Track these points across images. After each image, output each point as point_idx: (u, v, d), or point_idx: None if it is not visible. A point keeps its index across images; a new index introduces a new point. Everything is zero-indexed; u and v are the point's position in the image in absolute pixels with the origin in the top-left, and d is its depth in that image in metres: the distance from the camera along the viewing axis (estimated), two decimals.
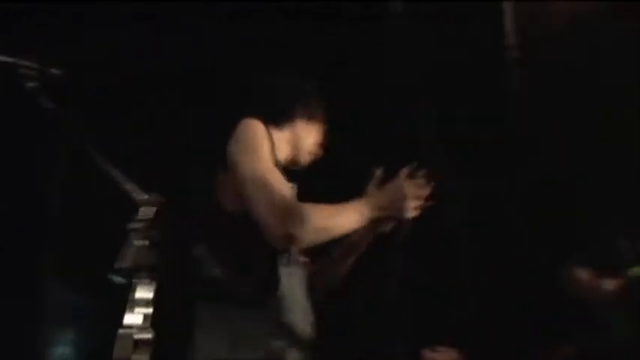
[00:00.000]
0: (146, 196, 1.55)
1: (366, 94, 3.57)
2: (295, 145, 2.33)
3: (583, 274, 2.85)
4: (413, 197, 2.15)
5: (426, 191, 2.17)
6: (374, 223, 2.18)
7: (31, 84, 1.73)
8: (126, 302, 1.47)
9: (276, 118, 2.27)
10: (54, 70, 1.76)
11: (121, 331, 1.42)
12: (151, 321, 1.47)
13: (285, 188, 2.00)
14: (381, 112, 3.59)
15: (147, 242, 1.51)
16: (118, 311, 1.51)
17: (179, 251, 1.54)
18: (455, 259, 3.83)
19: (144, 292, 1.49)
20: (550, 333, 3.27)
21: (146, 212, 1.51)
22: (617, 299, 2.81)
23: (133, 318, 1.45)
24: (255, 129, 2.09)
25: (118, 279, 2.17)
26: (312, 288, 2.24)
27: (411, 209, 2.16)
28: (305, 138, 2.35)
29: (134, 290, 1.46)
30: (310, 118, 2.37)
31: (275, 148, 2.13)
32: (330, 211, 2.03)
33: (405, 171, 2.18)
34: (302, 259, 2.25)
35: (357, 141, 3.30)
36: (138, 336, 1.42)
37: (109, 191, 1.61)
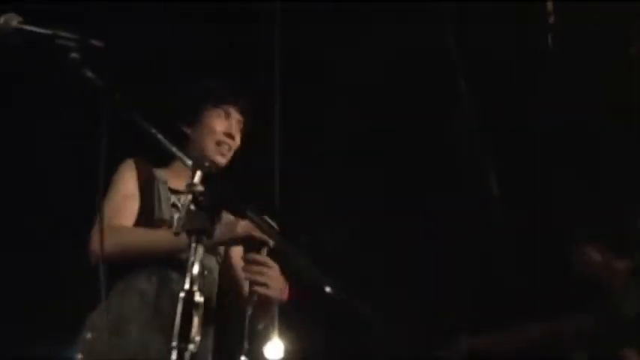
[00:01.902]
0: (191, 161, 1.58)
1: None
2: (202, 142, 2.44)
3: (595, 255, 2.88)
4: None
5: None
6: None
7: (72, 55, 1.73)
8: None
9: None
10: (94, 42, 1.76)
11: (181, 294, 1.44)
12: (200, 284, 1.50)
13: (114, 213, 2.24)
14: None
15: (193, 206, 1.53)
16: None
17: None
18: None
19: (193, 256, 1.52)
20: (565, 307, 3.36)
21: (195, 177, 1.53)
22: (627, 279, 2.86)
23: (188, 281, 1.47)
24: (121, 168, 2.37)
25: None
26: None
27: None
28: (210, 131, 2.44)
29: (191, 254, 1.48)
30: (215, 107, 2.47)
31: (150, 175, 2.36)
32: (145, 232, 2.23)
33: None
34: None
35: None
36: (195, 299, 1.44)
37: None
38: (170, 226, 2.26)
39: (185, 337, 1.44)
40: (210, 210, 1.53)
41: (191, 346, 1.44)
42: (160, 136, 1.63)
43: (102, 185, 1.63)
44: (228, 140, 2.46)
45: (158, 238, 2.23)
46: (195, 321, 1.45)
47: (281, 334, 4.99)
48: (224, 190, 1.57)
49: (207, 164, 1.55)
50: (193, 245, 1.51)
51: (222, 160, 2.45)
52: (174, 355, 1.43)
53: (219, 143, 2.44)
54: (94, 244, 2.16)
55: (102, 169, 1.64)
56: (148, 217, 2.31)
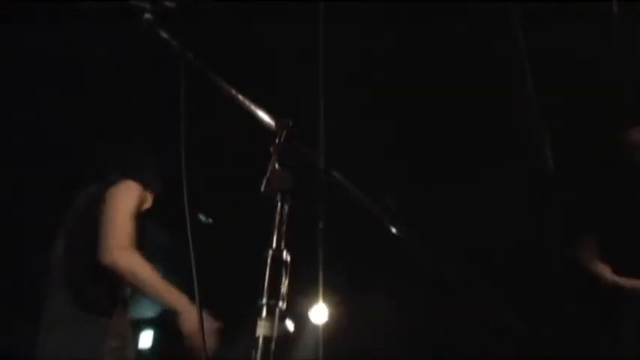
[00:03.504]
0: (273, 121, 1.57)
1: None
2: None
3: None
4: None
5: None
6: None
7: (146, 16, 1.73)
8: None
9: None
10: (167, 2, 1.76)
11: (269, 251, 1.45)
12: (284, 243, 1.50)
13: (132, 232, 2.48)
14: None
15: (277, 166, 1.53)
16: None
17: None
18: None
19: (278, 216, 1.52)
20: None
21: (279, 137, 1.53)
22: None
23: (275, 240, 1.48)
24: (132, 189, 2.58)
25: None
26: None
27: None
28: None
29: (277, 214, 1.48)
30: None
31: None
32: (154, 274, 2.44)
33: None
34: None
35: None
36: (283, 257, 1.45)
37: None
38: None
39: (274, 294, 1.45)
40: (294, 169, 1.53)
41: (280, 304, 1.45)
42: (239, 95, 1.63)
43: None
44: None
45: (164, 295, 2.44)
46: (283, 278, 1.46)
47: (325, 299, 5.03)
48: (304, 150, 1.57)
49: (290, 123, 1.53)
50: (279, 204, 1.51)
51: None
52: (264, 312, 1.44)
53: None
54: (123, 262, 2.38)
55: (183, 130, 1.64)
56: None
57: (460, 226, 4.29)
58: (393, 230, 1.89)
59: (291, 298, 1.61)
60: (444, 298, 4.55)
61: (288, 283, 1.47)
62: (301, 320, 5.28)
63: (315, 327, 5.21)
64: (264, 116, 1.60)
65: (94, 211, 2.51)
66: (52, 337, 2.41)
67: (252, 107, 1.62)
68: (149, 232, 2.61)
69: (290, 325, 5.27)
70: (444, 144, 4.33)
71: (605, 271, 3.12)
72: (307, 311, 5.20)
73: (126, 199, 2.53)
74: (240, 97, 1.61)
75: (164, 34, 1.73)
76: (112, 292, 2.45)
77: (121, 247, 2.39)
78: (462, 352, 4.82)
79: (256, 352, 1.40)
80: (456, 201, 4.34)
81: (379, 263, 4.89)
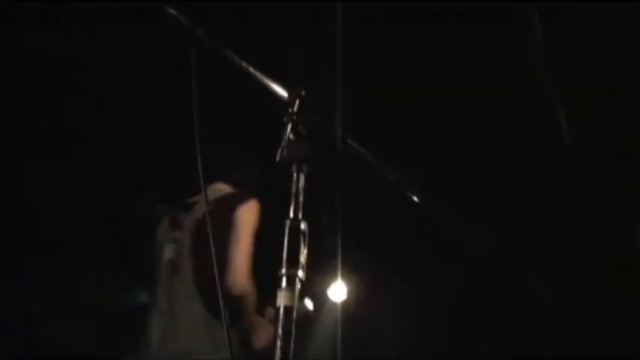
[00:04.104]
0: (286, 91, 1.57)
1: None
2: None
3: None
4: None
5: None
6: None
7: None
8: None
9: None
10: None
11: (287, 221, 1.44)
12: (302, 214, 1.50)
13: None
14: None
15: (292, 136, 1.53)
16: None
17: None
18: None
19: (294, 186, 1.52)
20: None
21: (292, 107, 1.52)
22: None
23: (292, 210, 1.48)
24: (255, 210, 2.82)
25: None
26: None
27: None
28: None
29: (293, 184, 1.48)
30: None
31: None
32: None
33: None
34: None
35: None
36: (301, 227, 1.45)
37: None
38: None
39: (294, 264, 1.45)
40: (309, 139, 1.52)
41: (299, 273, 1.44)
42: (251, 68, 1.63)
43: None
44: None
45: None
46: (302, 248, 1.46)
47: (344, 276, 5.03)
48: (318, 119, 1.57)
49: (303, 93, 1.52)
50: (295, 175, 1.50)
51: None
52: (284, 282, 1.44)
53: None
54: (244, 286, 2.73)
55: (195, 107, 1.63)
56: None
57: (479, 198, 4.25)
58: (415, 198, 1.88)
59: (310, 274, 1.61)
60: (468, 275, 4.53)
61: (307, 252, 1.47)
62: (320, 298, 5.30)
63: (334, 305, 5.21)
64: (276, 87, 1.59)
65: (220, 225, 2.74)
66: (187, 340, 2.73)
67: (265, 79, 1.61)
68: None
69: (309, 303, 5.28)
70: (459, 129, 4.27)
71: None
72: (326, 289, 5.21)
73: (252, 224, 2.77)
74: (252, 68, 1.61)
75: (172, 11, 1.73)
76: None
77: (247, 280, 2.73)
78: (484, 329, 4.82)
79: (278, 322, 1.40)
80: (473, 172, 4.30)
81: (399, 240, 4.87)
